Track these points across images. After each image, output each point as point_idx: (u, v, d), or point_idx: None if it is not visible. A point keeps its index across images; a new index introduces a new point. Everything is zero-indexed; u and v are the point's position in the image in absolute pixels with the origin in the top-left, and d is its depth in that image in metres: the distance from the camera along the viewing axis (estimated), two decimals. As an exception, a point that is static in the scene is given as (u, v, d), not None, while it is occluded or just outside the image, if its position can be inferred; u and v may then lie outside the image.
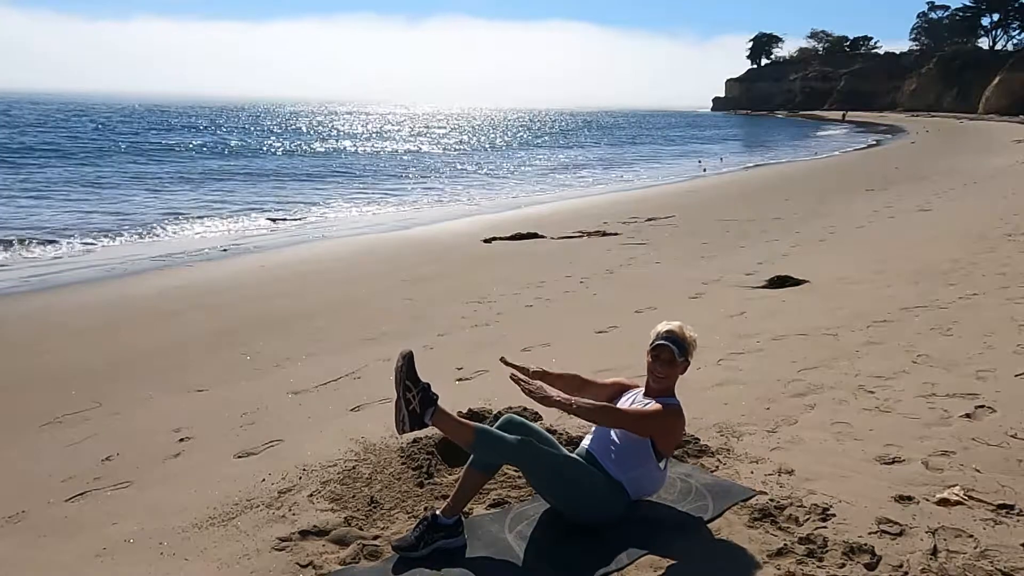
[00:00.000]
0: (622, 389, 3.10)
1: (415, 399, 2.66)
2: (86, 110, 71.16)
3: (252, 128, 50.60)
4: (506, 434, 2.76)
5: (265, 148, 32.87)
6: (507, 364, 2.98)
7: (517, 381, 2.83)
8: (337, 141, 38.89)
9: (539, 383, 2.86)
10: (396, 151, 33.90)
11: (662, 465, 2.87)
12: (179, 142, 34.01)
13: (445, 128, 60.74)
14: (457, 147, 37.34)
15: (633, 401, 2.98)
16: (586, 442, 3.00)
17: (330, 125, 59.16)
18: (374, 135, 46.56)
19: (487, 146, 38.99)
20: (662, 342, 2.90)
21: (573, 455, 2.91)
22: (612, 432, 2.89)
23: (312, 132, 48.61)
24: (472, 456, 2.77)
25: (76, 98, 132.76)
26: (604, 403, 2.91)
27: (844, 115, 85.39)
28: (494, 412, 3.82)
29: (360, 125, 60.25)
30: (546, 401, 2.75)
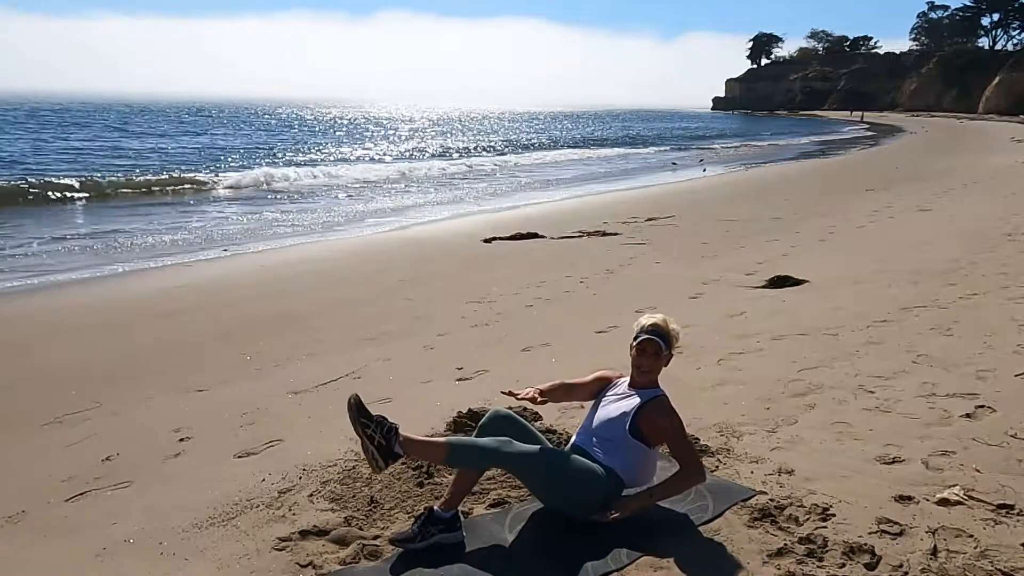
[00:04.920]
0: (606, 382, 3.12)
1: (377, 433, 2.64)
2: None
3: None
4: (479, 440, 2.76)
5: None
6: (511, 395, 2.99)
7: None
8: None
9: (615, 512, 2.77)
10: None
11: (655, 449, 2.93)
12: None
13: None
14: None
15: (619, 393, 3.01)
16: (575, 436, 3.06)
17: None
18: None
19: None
20: (647, 336, 2.92)
21: (555, 448, 2.95)
22: (597, 424, 2.95)
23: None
24: None
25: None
26: (674, 479, 2.85)
27: (862, 116, 79.75)
28: (494, 412, 3.83)
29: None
30: (625, 510, 2.75)
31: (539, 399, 2.96)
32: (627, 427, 2.85)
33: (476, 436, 2.90)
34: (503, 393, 3.00)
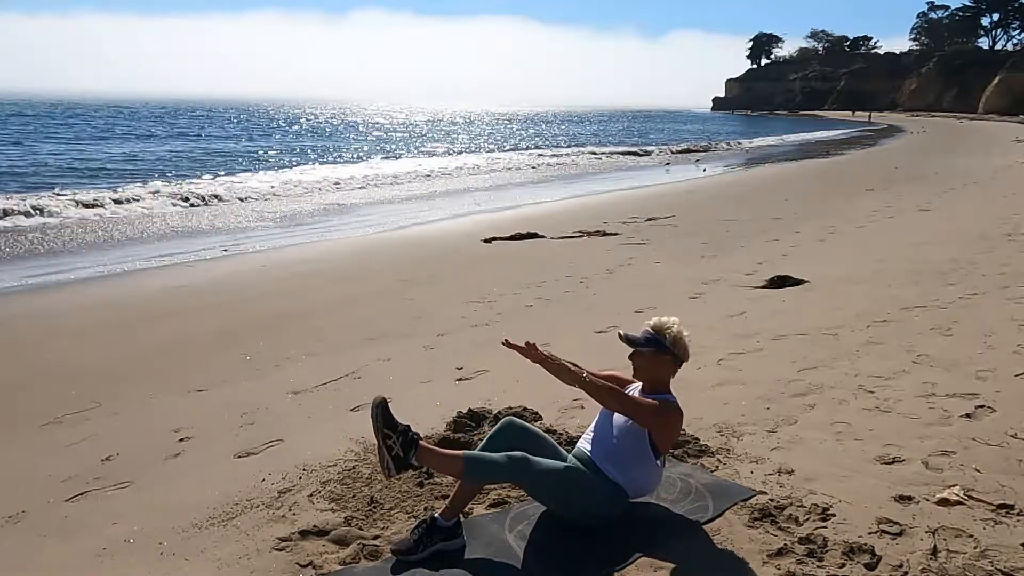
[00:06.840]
0: (620, 384, 3.09)
1: (396, 444, 2.65)
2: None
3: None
4: (496, 455, 2.73)
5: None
6: (509, 346, 2.95)
7: (526, 354, 2.84)
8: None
9: (549, 352, 2.81)
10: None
11: (660, 463, 2.87)
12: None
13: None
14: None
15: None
16: (583, 444, 2.99)
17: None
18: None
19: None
20: (628, 333, 2.95)
21: (570, 460, 2.90)
22: (611, 433, 2.89)
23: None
24: None
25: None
26: (613, 385, 2.86)
27: (870, 116, 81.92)
28: (494, 412, 3.83)
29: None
30: (558, 368, 2.74)
31: (535, 350, 2.88)
32: (647, 441, 2.81)
33: (486, 442, 2.89)
34: (505, 343, 2.93)
